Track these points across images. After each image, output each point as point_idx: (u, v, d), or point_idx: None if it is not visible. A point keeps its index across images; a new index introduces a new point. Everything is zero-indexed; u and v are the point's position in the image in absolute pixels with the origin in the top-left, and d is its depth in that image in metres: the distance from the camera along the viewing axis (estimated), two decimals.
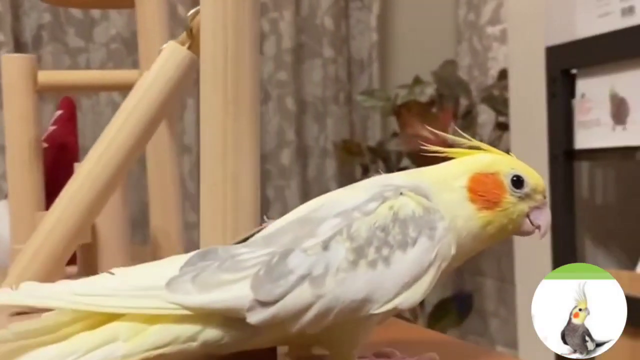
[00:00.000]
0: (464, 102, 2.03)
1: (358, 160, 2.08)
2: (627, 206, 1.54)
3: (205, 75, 0.42)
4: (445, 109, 1.87)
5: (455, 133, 0.44)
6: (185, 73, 0.49)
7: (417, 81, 2.01)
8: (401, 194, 0.41)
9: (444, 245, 0.40)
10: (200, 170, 0.43)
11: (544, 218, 0.43)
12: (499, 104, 1.88)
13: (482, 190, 0.42)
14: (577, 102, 1.43)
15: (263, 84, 2.24)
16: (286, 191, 2.19)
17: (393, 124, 2.13)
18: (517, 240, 1.63)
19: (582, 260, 1.52)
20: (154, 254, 0.73)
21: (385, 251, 0.39)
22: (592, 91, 1.40)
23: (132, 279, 0.39)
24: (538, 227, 0.43)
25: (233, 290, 0.37)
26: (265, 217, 0.43)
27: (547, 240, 1.47)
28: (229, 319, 0.38)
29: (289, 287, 0.37)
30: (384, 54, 2.37)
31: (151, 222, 0.74)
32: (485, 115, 2.07)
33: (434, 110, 1.93)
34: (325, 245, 0.38)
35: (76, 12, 2.10)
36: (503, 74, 1.86)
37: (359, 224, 0.39)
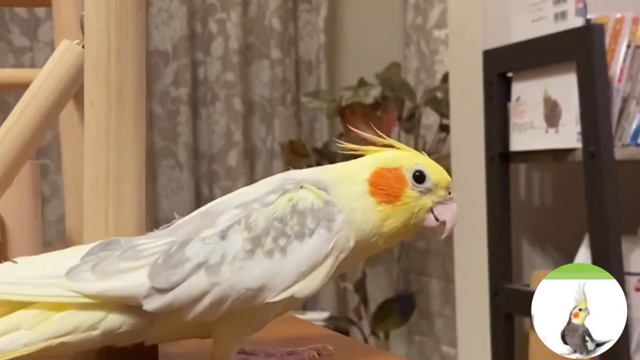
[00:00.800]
0: (409, 105, 2.05)
1: (305, 161, 2.09)
2: (562, 207, 1.57)
3: (88, 72, 0.43)
4: (389, 111, 1.89)
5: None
6: (79, 70, 0.49)
7: (362, 83, 2.02)
8: (302, 187, 0.42)
9: (341, 237, 0.41)
10: (84, 168, 0.43)
11: (449, 214, 0.44)
12: (443, 107, 1.89)
13: (383, 184, 0.43)
14: (512, 105, 1.46)
15: (210, 85, 2.23)
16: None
17: (339, 125, 2.14)
18: (457, 240, 1.65)
19: (519, 261, 1.54)
20: None
21: (282, 241, 0.40)
22: (527, 94, 1.42)
23: (35, 267, 0.40)
24: (444, 223, 0.44)
25: (131, 278, 0.38)
26: (175, 214, 0.44)
27: (483, 241, 1.49)
28: (128, 307, 0.39)
29: (185, 275, 0.38)
30: (332, 55, 2.38)
31: (67, 220, 0.74)
32: (431, 118, 2.09)
33: (378, 112, 1.94)
34: (223, 235, 0.39)
35: (21, 11, 2.07)
36: (446, 77, 1.88)
37: (257, 214, 0.40)
